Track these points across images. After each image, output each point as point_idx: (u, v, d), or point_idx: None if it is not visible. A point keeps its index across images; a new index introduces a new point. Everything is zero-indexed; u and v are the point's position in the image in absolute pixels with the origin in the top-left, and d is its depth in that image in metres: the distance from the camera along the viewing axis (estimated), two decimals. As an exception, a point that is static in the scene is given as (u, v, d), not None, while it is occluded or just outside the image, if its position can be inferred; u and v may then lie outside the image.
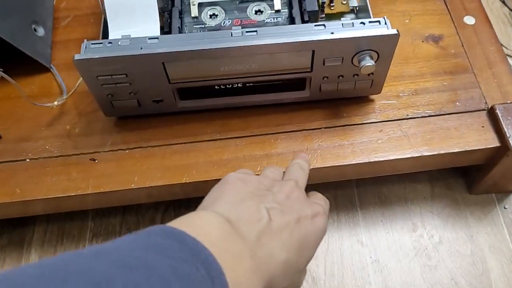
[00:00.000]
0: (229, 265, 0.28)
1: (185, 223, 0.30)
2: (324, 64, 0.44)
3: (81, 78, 0.43)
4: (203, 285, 0.25)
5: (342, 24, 0.43)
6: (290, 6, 0.47)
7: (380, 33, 0.41)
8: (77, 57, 0.41)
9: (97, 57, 0.41)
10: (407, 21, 0.56)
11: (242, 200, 0.34)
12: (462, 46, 0.54)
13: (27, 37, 0.51)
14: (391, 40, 0.42)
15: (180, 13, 0.47)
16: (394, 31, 0.41)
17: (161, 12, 0.47)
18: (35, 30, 0.53)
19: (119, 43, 0.42)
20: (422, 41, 0.54)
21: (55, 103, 0.48)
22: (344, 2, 0.54)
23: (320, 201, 0.39)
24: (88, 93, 0.46)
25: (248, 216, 0.33)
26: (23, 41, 0.50)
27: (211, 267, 0.27)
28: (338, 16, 0.54)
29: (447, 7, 0.57)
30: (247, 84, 0.46)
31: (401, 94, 0.51)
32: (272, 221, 0.33)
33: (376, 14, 0.49)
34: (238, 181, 0.36)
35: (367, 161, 0.47)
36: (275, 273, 0.32)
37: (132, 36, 0.43)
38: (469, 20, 0.56)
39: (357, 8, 0.53)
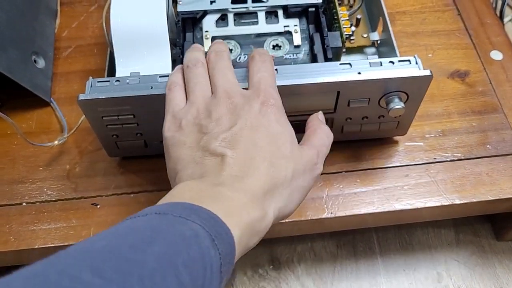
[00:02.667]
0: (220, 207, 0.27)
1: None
2: (349, 105, 0.41)
3: (84, 116, 0.40)
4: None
5: (370, 63, 0.39)
6: (311, 42, 0.44)
7: (412, 74, 0.38)
8: (81, 97, 0.37)
9: (103, 97, 0.37)
10: (430, 55, 0.53)
11: (191, 162, 0.32)
12: (490, 83, 0.50)
13: (27, 70, 0.47)
14: (423, 82, 0.39)
15: (192, 46, 0.44)
16: (427, 72, 0.38)
17: (172, 45, 0.44)
18: (35, 61, 0.49)
19: (128, 81, 0.38)
20: (447, 78, 0.51)
21: (55, 142, 0.44)
22: (365, 36, 0.51)
23: (260, 73, 0.35)
24: (90, 129, 0.43)
25: (207, 170, 0.30)
26: (22, 74, 0.46)
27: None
28: (358, 50, 0.51)
29: (472, 41, 0.54)
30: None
31: (427, 135, 0.47)
32: (226, 156, 0.30)
33: (397, 47, 0.46)
34: (172, 144, 0.33)
35: (392, 209, 0.43)
36: (265, 190, 0.30)
37: (141, 73, 0.39)
38: (496, 55, 0.53)
39: (378, 41, 0.51)
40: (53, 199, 0.44)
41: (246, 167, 0.30)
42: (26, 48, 0.49)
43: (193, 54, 0.37)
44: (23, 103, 0.49)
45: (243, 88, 0.35)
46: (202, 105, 0.34)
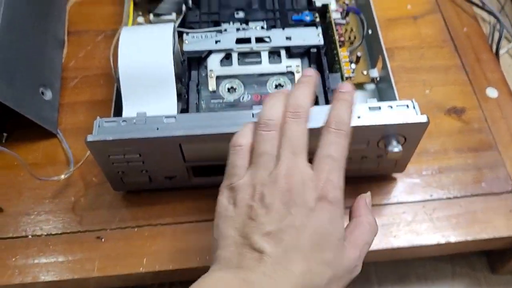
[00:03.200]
0: None
1: None
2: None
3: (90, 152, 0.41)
4: None
5: (369, 107, 0.40)
6: (312, 83, 0.45)
7: (409, 121, 0.39)
8: (90, 138, 0.38)
9: (111, 139, 0.38)
10: (427, 91, 0.54)
11: (232, 245, 0.31)
12: (486, 120, 0.52)
13: (34, 102, 0.49)
14: (420, 127, 0.40)
15: (197, 84, 0.45)
16: (423, 119, 0.39)
17: (177, 79, 0.44)
18: (42, 93, 0.50)
19: (134, 121, 0.40)
20: (444, 114, 0.52)
21: (62, 176, 0.45)
22: (365, 73, 0.52)
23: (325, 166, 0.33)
24: (95, 162, 0.44)
25: (244, 263, 0.30)
26: (30, 107, 0.48)
27: None
28: (358, 86, 0.52)
29: (468, 77, 0.55)
30: (266, 163, 0.44)
31: (424, 173, 0.48)
32: (265, 254, 0.30)
33: (396, 82, 0.47)
34: (224, 216, 0.32)
35: (389, 247, 0.44)
36: None
37: (147, 114, 0.41)
38: (492, 92, 0.54)
39: (377, 78, 0.52)
40: (59, 232, 0.45)
41: (281, 267, 0.30)
42: (34, 80, 0.50)
43: (271, 112, 0.34)
44: (30, 133, 0.50)
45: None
46: (260, 185, 0.32)
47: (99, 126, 0.39)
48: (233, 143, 0.34)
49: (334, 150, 0.33)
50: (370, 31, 0.53)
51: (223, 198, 0.33)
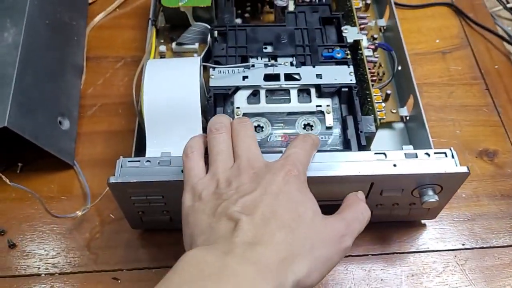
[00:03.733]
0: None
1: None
2: (381, 194, 0.40)
3: (108, 188, 0.39)
4: None
5: (405, 154, 0.39)
6: (343, 123, 0.43)
7: (448, 171, 0.37)
8: (112, 180, 0.36)
9: (134, 181, 0.36)
10: (458, 132, 0.52)
11: (207, 227, 0.31)
12: (519, 165, 0.50)
13: (52, 133, 0.47)
14: (459, 178, 0.38)
15: (223, 122, 0.43)
16: (464, 169, 0.37)
17: (203, 119, 0.43)
18: (60, 123, 0.49)
19: (158, 162, 0.38)
20: (476, 157, 0.50)
21: (78, 213, 0.44)
22: (394, 111, 0.50)
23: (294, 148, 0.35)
24: (112, 197, 0.42)
25: (220, 236, 0.29)
26: (48, 138, 0.46)
27: None
28: (387, 125, 0.50)
29: (500, 118, 0.53)
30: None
31: (455, 219, 0.46)
32: (241, 221, 0.29)
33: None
34: (191, 212, 0.32)
35: (420, 299, 0.42)
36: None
37: (172, 153, 0.39)
38: (525, 135, 0.52)
39: (407, 117, 0.50)
40: (74, 271, 0.43)
41: (260, 233, 0.29)
42: (53, 110, 0.48)
43: (219, 118, 0.37)
44: (46, 164, 0.49)
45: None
46: (223, 176, 0.33)
47: (121, 166, 0.38)
48: (184, 151, 0.35)
49: (301, 146, 0.35)
50: (399, 68, 0.51)
51: (186, 200, 0.33)
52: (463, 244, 0.45)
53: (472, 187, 0.48)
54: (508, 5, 0.73)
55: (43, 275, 0.43)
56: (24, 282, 0.43)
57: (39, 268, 0.43)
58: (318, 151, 0.39)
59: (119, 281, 0.43)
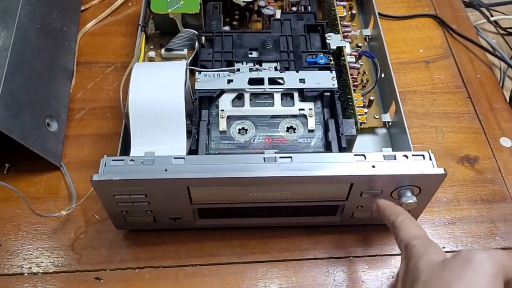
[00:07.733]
0: None
1: None
2: (361, 195, 0.40)
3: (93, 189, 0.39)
4: None
5: (384, 155, 0.39)
6: (325, 127, 0.44)
7: (426, 172, 0.38)
8: (95, 177, 0.37)
9: (117, 179, 0.37)
10: (440, 138, 0.53)
11: None
12: (499, 171, 0.51)
13: (40, 135, 0.47)
14: (437, 179, 0.39)
15: (208, 124, 0.44)
16: (440, 171, 0.38)
17: (186, 116, 0.43)
18: (48, 125, 0.49)
19: (142, 161, 0.38)
20: (457, 162, 0.51)
21: (63, 212, 0.44)
22: (377, 117, 0.51)
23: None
24: (97, 198, 0.42)
25: None
26: (35, 139, 0.46)
27: None
28: (369, 130, 0.51)
29: (482, 125, 0.54)
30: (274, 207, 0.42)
31: (436, 223, 0.47)
32: None
33: (408, 127, 0.46)
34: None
35: (400, 300, 0.42)
36: None
37: (156, 153, 0.39)
38: (506, 142, 0.53)
39: (389, 123, 0.51)
40: (56, 271, 0.43)
41: None
42: (41, 112, 0.49)
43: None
44: (32, 165, 0.49)
45: None
46: None
47: (105, 164, 0.38)
48: None
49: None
50: (382, 75, 0.52)
51: None
52: (443, 247, 0.46)
53: (453, 191, 0.49)
54: (492, 18, 0.75)
55: (26, 274, 0.43)
56: (7, 281, 0.43)
57: (22, 267, 0.43)
58: (300, 152, 0.40)
59: (101, 281, 0.43)
